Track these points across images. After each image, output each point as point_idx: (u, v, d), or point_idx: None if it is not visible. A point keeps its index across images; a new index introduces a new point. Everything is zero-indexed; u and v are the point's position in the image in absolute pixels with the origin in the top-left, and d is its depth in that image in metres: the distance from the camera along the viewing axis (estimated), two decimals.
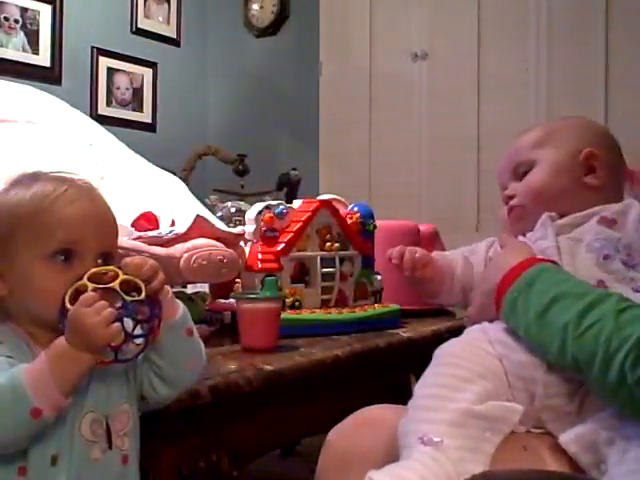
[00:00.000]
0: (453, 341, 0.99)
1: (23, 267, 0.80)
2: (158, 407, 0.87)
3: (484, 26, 3.34)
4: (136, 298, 0.78)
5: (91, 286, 0.77)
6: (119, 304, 0.77)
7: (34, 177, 0.85)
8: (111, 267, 0.80)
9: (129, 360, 0.80)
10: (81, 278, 0.78)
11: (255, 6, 4.40)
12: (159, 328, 0.81)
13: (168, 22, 4.35)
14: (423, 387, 0.91)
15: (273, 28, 4.35)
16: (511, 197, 1.15)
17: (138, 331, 0.78)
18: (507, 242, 1.10)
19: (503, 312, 0.95)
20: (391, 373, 1.47)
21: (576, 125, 1.16)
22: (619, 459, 0.78)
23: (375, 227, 1.56)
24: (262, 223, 1.39)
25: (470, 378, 0.89)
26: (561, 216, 1.07)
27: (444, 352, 0.96)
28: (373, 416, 0.99)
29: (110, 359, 0.78)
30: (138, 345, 0.79)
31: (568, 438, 0.84)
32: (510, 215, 1.15)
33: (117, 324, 0.76)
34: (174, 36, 4.39)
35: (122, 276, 0.79)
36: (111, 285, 0.78)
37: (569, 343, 0.84)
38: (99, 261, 0.82)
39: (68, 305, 0.77)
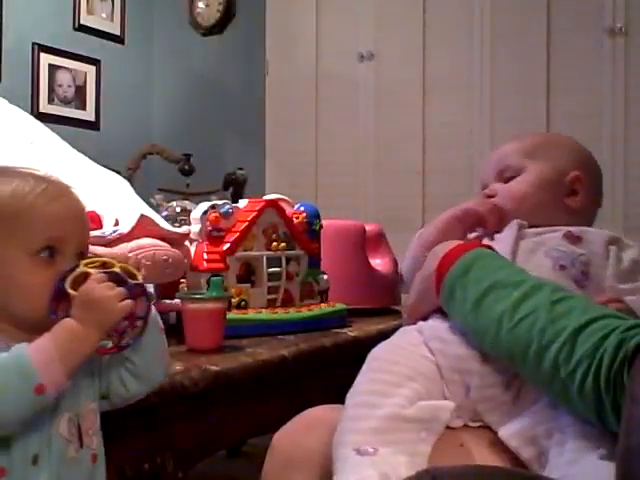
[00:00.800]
0: (383, 345, 0.98)
1: (5, 263, 0.79)
2: (122, 405, 0.86)
3: (429, 27, 3.38)
4: (136, 282, 0.81)
5: (95, 270, 0.79)
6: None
7: (3, 172, 0.84)
8: (103, 259, 0.82)
9: (128, 347, 0.81)
10: (72, 270, 0.79)
11: (201, 4, 4.37)
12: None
13: (112, 19, 4.28)
14: (354, 395, 0.91)
15: (219, 27, 4.32)
16: (490, 196, 1.17)
17: (140, 313, 0.80)
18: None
19: (442, 298, 0.96)
20: (338, 372, 1.47)
21: (570, 146, 1.20)
22: (559, 451, 0.79)
23: (321, 227, 1.56)
24: (208, 223, 1.38)
25: (399, 382, 0.89)
26: (531, 227, 1.10)
27: (374, 356, 0.96)
28: (317, 417, 0.99)
29: (110, 346, 0.80)
30: (136, 327, 0.81)
31: (508, 433, 0.85)
32: (489, 210, 1.15)
33: (128, 300, 0.78)
34: (118, 33, 4.32)
35: (118, 264, 0.81)
36: (114, 269, 0.80)
37: (503, 334, 0.85)
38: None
39: (70, 290, 0.78)
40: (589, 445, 0.76)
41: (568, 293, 0.86)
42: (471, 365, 0.91)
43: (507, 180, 1.17)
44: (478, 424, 0.91)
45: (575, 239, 1.04)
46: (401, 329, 1.04)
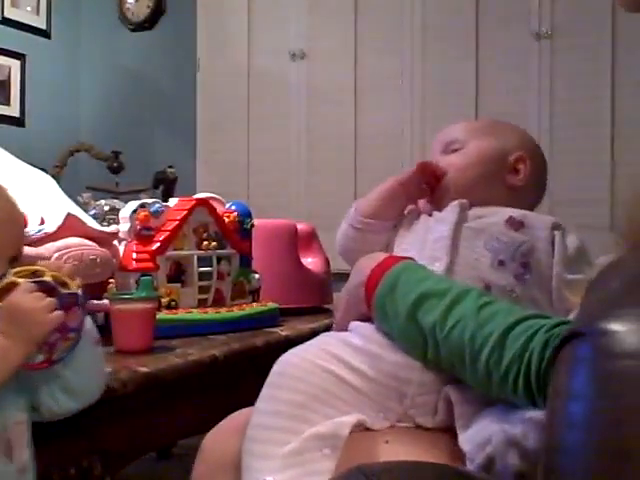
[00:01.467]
0: (292, 357, 0.96)
1: None
2: (53, 419, 0.83)
3: (361, 27, 3.41)
4: (69, 291, 0.77)
5: (23, 280, 0.75)
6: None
7: None
8: (34, 267, 0.78)
9: (60, 361, 0.77)
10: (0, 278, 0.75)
11: None
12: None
13: (37, 12, 4.17)
14: (258, 415, 0.90)
15: (149, 23, 4.27)
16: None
17: (72, 324, 0.77)
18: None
19: (376, 317, 0.95)
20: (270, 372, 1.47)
21: (518, 131, 1.19)
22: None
23: (253, 226, 1.55)
24: (137, 222, 1.36)
25: (303, 403, 0.88)
26: (472, 205, 1.08)
27: (279, 370, 0.94)
28: (244, 420, 0.96)
29: (40, 361, 0.76)
30: (69, 340, 0.77)
31: (463, 439, 0.85)
32: (432, 174, 1.14)
33: (59, 312, 0.74)
34: (44, 27, 4.22)
35: (50, 272, 0.77)
36: (44, 278, 0.76)
37: (439, 345, 0.85)
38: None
39: None
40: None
41: (492, 297, 0.87)
42: (410, 374, 0.90)
43: (451, 153, 1.15)
44: (405, 425, 0.91)
45: (517, 224, 1.02)
46: (321, 336, 1.02)
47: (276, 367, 0.94)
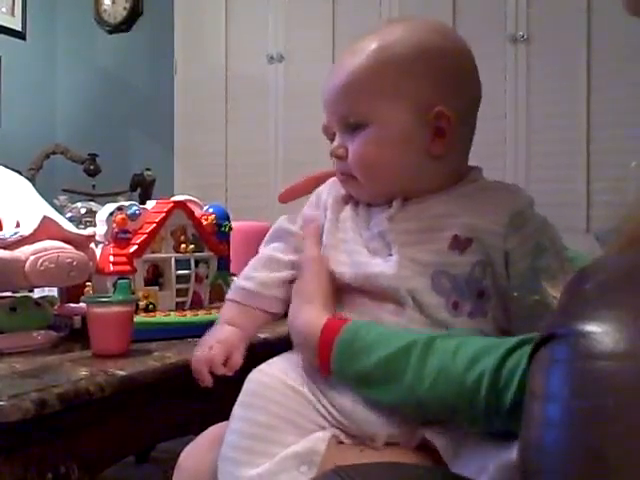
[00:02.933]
0: (262, 376, 0.91)
1: None
2: None
3: (339, 30, 3.42)
4: None
5: None
6: None
7: None
8: None
9: None
10: None
11: (107, 1, 4.28)
12: None
13: (13, 13, 4.14)
14: (232, 434, 0.88)
15: (126, 24, 4.26)
16: (338, 157, 0.92)
17: None
18: (305, 278, 0.95)
19: (342, 386, 0.87)
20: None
21: (428, 60, 0.88)
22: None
23: (231, 228, 1.55)
24: (114, 224, 1.36)
25: (276, 425, 0.86)
26: (405, 198, 0.90)
27: (251, 389, 0.90)
28: (220, 434, 0.94)
29: None
30: None
31: (457, 468, 0.80)
32: (341, 179, 0.95)
33: None
34: (19, 29, 4.19)
35: None
36: None
37: (426, 405, 0.79)
38: None
39: None
40: None
41: (456, 337, 0.80)
42: (379, 430, 0.85)
43: (353, 130, 0.90)
44: None
45: (464, 244, 0.85)
46: (290, 353, 0.96)
47: (247, 385, 0.91)
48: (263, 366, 0.94)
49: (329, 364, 0.85)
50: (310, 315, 0.90)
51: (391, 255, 0.87)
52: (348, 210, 0.95)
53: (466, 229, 0.85)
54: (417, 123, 0.87)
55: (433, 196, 0.89)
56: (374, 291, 0.88)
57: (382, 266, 0.87)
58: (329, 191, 0.99)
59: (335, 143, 0.93)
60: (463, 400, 0.75)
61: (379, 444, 0.85)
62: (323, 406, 0.88)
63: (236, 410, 0.90)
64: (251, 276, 1.01)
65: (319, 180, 1.04)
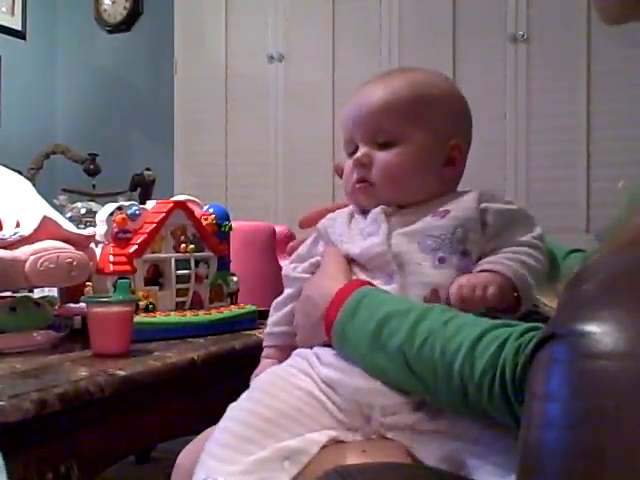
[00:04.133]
0: (268, 375, 0.95)
1: None
2: None
3: (339, 30, 3.42)
4: None
5: None
6: None
7: None
8: None
9: None
10: None
11: (107, 1, 4.28)
12: None
13: (12, 13, 4.14)
14: (227, 421, 0.89)
15: (126, 24, 4.25)
16: (363, 164, 1.01)
17: None
18: (324, 260, 1.02)
19: (336, 345, 0.92)
20: (248, 375, 1.47)
21: (450, 103, 1.03)
22: (481, 465, 0.79)
23: (231, 228, 1.55)
24: (114, 224, 1.36)
25: (275, 419, 0.87)
26: (399, 206, 1.00)
27: (257, 384, 0.93)
28: None
29: None
30: None
31: (422, 455, 0.84)
32: (357, 187, 1.03)
33: None
34: (19, 28, 4.18)
35: None
36: None
37: (410, 364, 0.83)
38: None
39: None
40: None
41: (455, 312, 0.85)
42: (372, 399, 0.87)
43: (381, 146, 1.00)
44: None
45: (443, 213, 0.95)
46: (296, 351, 1.00)
47: (254, 384, 0.94)
48: (272, 368, 0.98)
49: (333, 324, 0.91)
50: (331, 284, 0.96)
51: (379, 231, 0.98)
52: (352, 220, 1.06)
53: (442, 203, 0.97)
54: (436, 150, 1.00)
55: (422, 206, 1.00)
56: (369, 264, 0.97)
57: (374, 239, 0.97)
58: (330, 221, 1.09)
59: (359, 153, 1.02)
60: (442, 365, 0.79)
61: (376, 424, 0.87)
62: (324, 393, 0.90)
63: (236, 403, 0.91)
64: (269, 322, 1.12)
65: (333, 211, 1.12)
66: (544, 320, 0.68)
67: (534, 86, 3.10)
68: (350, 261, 1.00)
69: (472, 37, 3.16)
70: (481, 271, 0.92)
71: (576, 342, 0.50)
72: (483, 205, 0.96)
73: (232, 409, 0.90)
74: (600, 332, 0.49)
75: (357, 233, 1.02)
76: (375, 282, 0.95)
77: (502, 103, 3.12)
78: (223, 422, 0.89)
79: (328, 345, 0.94)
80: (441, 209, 0.96)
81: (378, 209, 1.00)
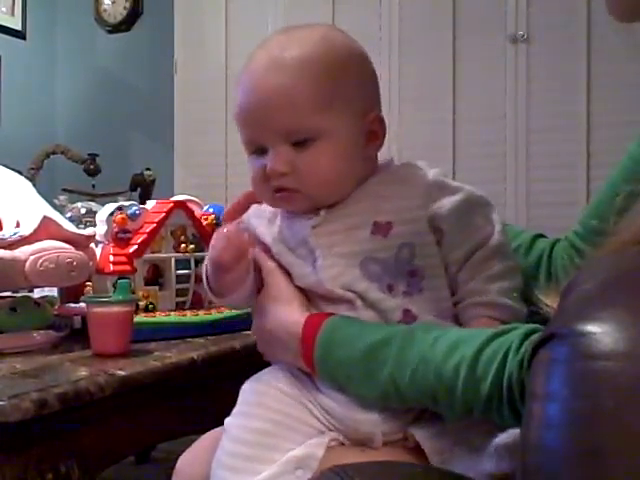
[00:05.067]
0: (256, 383, 0.92)
1: None
2: None
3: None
4: None
5: None
6: None
7: None
8: None
9: None
10: None
11: (107, 1, 4.28)
12: None
13: (12, 13, 4.14)
14: (229, 441, 0.87)
15: (126, 24, 4.25)
16: (283, 174, 0.87)
17: None
18: (269, 282, 0.94)
19: (324, 380, 0.87)
20: (248, 375, 1.47)
21: (355, 69, 0.89)
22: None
23: None
24: (114, 224, 1.36)
25: (273, 432, 0.85)
26: (328, 205, 0.89)
27: (246, 397, 0.91)
28: (217, 439, 0.93)
29: None
30: None
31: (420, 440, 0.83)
32: (278, 196, 0.90)
33: None
34: (19, 28, 4.18)
35: None
36: None
37: (403, 394, 0.80)
38: None
39: None
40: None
41: (436, 328, 0.81)
42: (373, 428, 0.85)
43: (297, 144, 0.86)
44: None
45: (385, 228, 0.86)
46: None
47: (243, 395, 0.91)
48: (256, 376, 0.94)
49: (313, 360, 0.86)
50: (290, 315, 0.90)
51: (316, 261, 0.88)
52: (275, 226, 0.95)
53: (384, 213, 0.86)
54: (358, 130, 0.88)
55: (351, 196, 0.89)
56: (325, 295, 0.89)
57: (315, 275, 0.88)
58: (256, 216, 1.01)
59: (272, 159, 0.87)
60: (442, 389, 0.76)
61: (378, 444, 0.85)
62: (318, 411, 0.88)
63: (231, 419, 0.90)
64: None
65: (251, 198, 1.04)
66: (545, 321, 0.68)
67: (534, 86, 3.09)
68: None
69: (472, 37, 3.16)
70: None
71: (576, 342, 0.50)
72: (432, 210, 0.87)
73: (229, 426, 0.89)
74: (600, 332, 0.49)
75: (286, 249, 0.92)
76: (338, 311, 0.88)
77: (502, 103, 3.12)
78: (225, 442, 0.88)
79: None
80: (381, 219, 0.86)
81: (304, 223, 0.89)
